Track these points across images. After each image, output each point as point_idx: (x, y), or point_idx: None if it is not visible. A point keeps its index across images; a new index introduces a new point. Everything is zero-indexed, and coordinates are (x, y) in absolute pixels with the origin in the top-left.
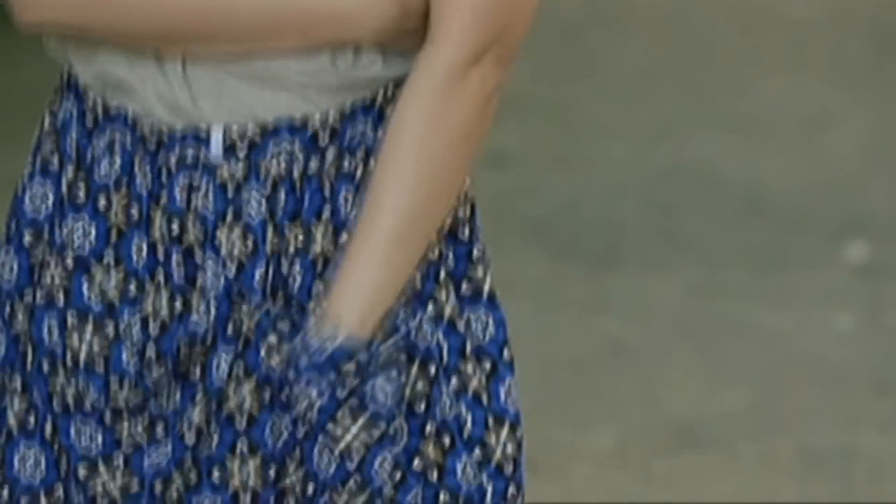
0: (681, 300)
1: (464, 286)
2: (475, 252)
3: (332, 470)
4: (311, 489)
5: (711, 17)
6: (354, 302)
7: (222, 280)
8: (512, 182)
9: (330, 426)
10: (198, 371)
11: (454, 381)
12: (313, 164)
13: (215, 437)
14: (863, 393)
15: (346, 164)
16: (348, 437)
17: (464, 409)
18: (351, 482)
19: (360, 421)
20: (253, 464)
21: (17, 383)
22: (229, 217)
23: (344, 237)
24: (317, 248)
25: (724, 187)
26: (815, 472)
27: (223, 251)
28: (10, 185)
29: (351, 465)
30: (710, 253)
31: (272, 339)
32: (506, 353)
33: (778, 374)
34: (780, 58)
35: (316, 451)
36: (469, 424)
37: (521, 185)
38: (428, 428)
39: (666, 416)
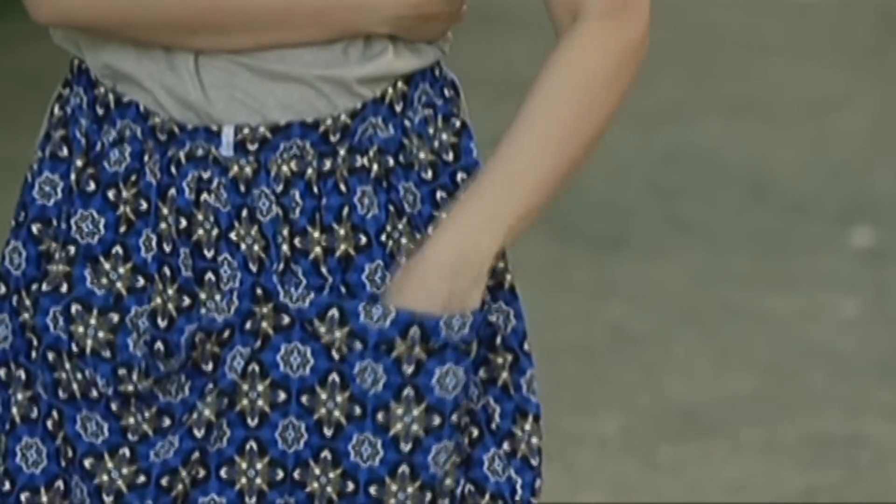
0: (685, 285)
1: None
2: None
3: (378, 460)
4: (350, 487)
5: (716, 1)
6: (491, 224)
7: (240, 276)
8: None
9: (381, 414)
10: (210, 364)
11: (482, 372)
12: (327, 163)
13: (226, 435)
14: (868, 379)
15: (358, 161)
16: (399, 426)
17: (491, 401)
18: (401, 469)
19: (416, 411)
20: (260, 464)
21: (22, 373)
22: (245, 214)
23: (362, 238)
24: (340, 248)
25: (728, 172)
26: (820, 458)
27: (243, 247)
28: (10, 169)
29: (401, 452)
30: (714, 238)
31: (295, 342)
32: (525, 345)
33: (783, 360)
34: (785, 41)
35: (352, 446)
36: (497, 416)
37: None
38: (463, 420)
39: (671, 402)
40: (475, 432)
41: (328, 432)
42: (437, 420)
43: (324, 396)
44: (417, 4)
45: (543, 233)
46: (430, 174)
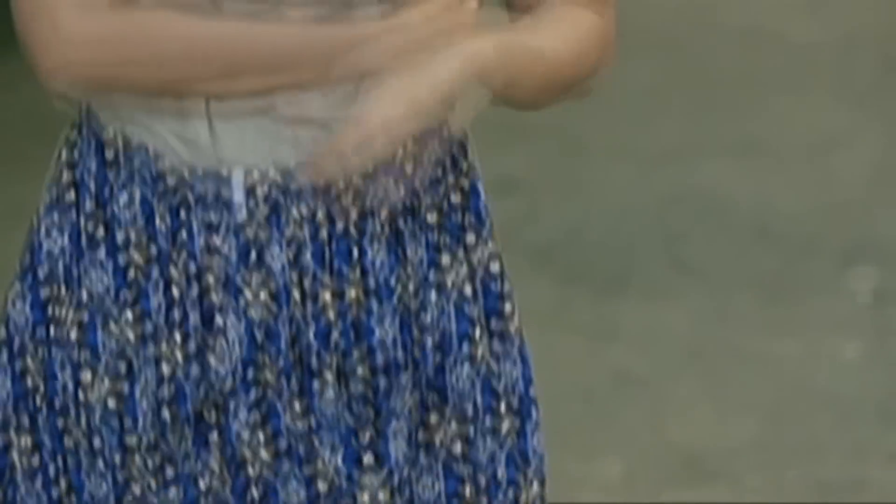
0: (687, 328)
1: (493, 323)
2: (505, 288)
3: None
4: None
5: (717, 41)
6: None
7: (244, 324)
8: (518, 208)
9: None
10: (213, 415)
11: (488, 420)
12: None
13: (228, 483)
14: (871, 424)
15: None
16: (366, 499)
17: (497, 451)
18: None
19: (377, 481)
20: None
21: (25, 420)
22: (252, 260)
23: (372, 282)
24: (351, 292)
25: (730, 212)
26: (824, 503)
27: (247, 295)
28: (15, 209)
29: None
30: (717, 279)
31: (294, 389)
32: (532, 391)
33: (786, 404)
34: (787, 81)
35: None
36: (502, 466)
37: (527, 210)
38: (465, 472)
39: (673, 446)
40: (482, 482)
41: (322, 487)
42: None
43: (321, 452)
44: (425, 39)
45: (545, 274)
46: (434, 218)
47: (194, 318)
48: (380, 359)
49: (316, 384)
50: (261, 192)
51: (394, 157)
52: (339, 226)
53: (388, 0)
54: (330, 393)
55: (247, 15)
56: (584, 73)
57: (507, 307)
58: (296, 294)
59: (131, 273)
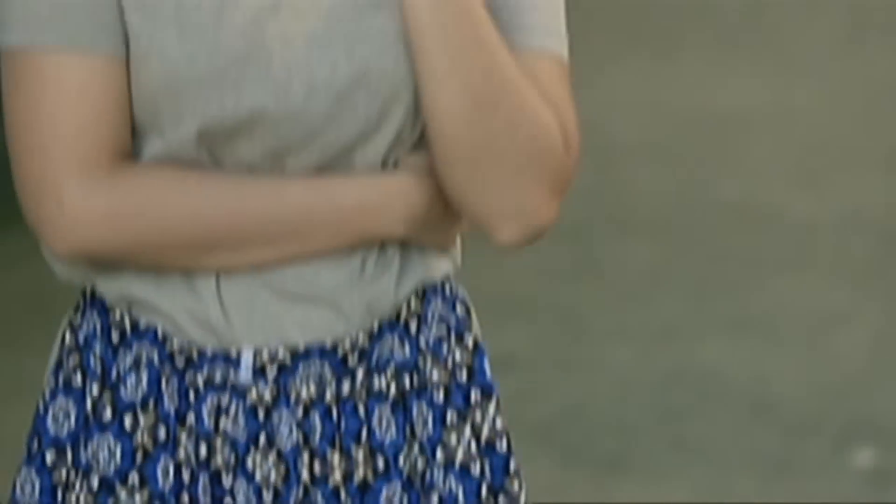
0: None
1: (501, 501)
2: (512, 465)
3: None
4: None
5: (715, 219)
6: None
7: None
8: (517, 384)
9: None
10: None
11: None
12: (346, 387)
13: None
14: None
15: (376, 383)
16: None
17: None
18: None
19: None
20: None
21: None
22: (262, 441)
23: (381, 461)
24: (359, 473)
25: (730, 391)
26: None
27: (258, 477)
28: (13, 387)
29: None
30: (716, 458)
31: None
32: None
33: None
34: (785, 260)
35: None
36: None
37: (525, 387)
38: None
39: None
40: None
41: None
42: None
43: None
44: (429, 204)
45: (544, 452)
46: (441, 396)
47: (205, 500)
48: None
49: None
50: (270, 373)
51: None
52: (349, 405)
53: (389, 145)
54: None
55: (248, 168)
56: (518, 112)
57: (515, 485)
58: (305, 475)
59: (140, 456)
